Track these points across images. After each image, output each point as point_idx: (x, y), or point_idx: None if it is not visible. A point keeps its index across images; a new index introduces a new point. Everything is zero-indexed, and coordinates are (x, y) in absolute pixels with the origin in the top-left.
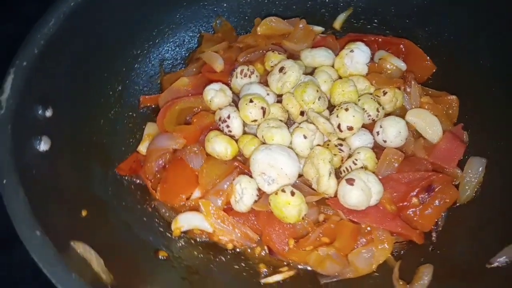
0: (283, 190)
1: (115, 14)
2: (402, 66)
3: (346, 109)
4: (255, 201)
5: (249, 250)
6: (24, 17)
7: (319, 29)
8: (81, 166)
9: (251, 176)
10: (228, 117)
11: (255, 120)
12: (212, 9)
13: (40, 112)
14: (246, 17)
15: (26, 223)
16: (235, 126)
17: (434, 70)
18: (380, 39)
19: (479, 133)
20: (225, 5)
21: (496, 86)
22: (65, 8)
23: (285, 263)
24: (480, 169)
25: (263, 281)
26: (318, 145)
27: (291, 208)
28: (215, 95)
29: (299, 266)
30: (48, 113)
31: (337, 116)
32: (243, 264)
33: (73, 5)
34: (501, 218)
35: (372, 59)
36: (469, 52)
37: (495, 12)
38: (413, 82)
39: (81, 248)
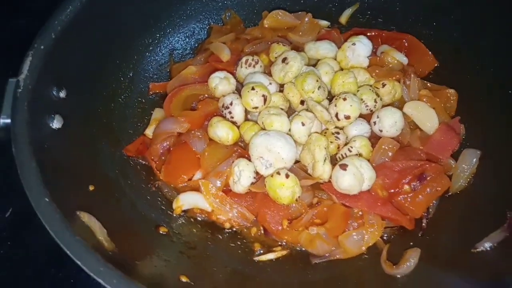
0: (278, 173)
1: (129, 5)
2: (404, 60)
3: (344, 99)
4: (252, 183)
5: (245, 230)
6: (35, 13)
7: (325, 23)
8: (91, 145)
9: (250, 160)
10: (231, 103)
11: (256, 107)
12: (222, 2)
13: (54, 92)
14: (255, 10)
15: (36, 189)
16: (237, 113)
17: (435, 65)
18: (384, 34)
19: (475, 127)
20: None
21: (495, 84)
22: None
23: (279, 243)
24: (474, 160)
25: (256, 258)
26: (316, 132)
27: (285, 189)
28: (220, 82)
29: (293, 247)
30: (62, 94)
31: (335, 105)
32: (238, 243)
33: None
34: (490, 208)
35: (375, 52)
36: (471, 50)
37: (498, 13)
38: (412, 75)
39: (86, 218)
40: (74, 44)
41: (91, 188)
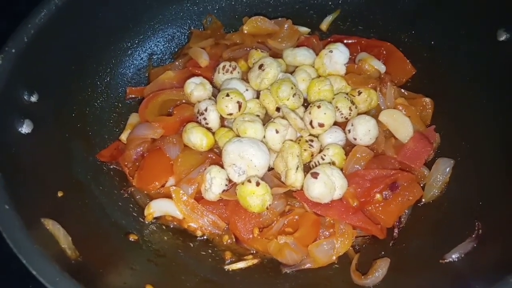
0: (249, 181)
1: (107, 8)
2: (381, 68)
3: (318, 107)
4: (224, 191)
5: (217, 238)
6: (16, 16)
7: (305, 30)
8: (62, 150)
9: (223, 167)
10: (206, 110)
11: (231, 114)
12: (204, 6)
13: (25, 96)
14: (236, 16)
15: None
16: (212, 119)
17: (413, 73)
18: (363, 41)
19: (451, 136)
20: (216, 3)
21: (472, 92)
22: (57, 0)
23: (250, 252)
24: (447, 169)
25: (227, 267)
26: (290, 140)
27: (255, 197)
28: (195, 88)
29: (264, 255)
30: (33, 98)
31: (310, 113)
32: (209, 251)
33: None
34: (462, 217)
35: (354, 60)
36: (449, 57)
37: (475, 21)
38: (388, 84)
39: (50, 225)
40: (48, 47)
41: (60, 194)
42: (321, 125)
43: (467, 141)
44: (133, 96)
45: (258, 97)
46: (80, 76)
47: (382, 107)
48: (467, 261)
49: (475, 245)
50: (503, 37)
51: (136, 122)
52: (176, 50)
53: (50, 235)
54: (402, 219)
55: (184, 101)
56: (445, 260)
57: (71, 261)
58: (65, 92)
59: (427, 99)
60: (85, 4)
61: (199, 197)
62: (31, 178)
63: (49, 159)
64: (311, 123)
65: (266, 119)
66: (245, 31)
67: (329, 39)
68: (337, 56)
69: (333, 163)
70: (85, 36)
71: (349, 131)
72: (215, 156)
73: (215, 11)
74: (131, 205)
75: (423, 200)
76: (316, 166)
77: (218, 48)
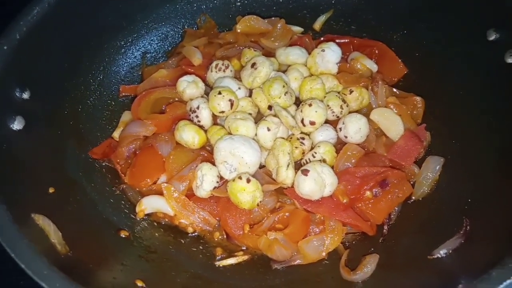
0: (239, 177)
1: (101, 6)
2: (373, 67)
3: (310, 105)
4: (215, 188)
5: (208, 234)
6: (6, 16)
7: (298, 29)
8: (55, 147)
9: (214, 164)
10: (198, 107)
11: (223, 112)
12: (198, 5)
13: (17, 93)
14: (230, 15)
15: None
16: (204, 117)
17: (405, 72)
18: (355, 41)
19: (441, 134)
20: (210, 3)
21: (462, 91)
22: None
23: (241, 248)
24: (437, 167)
25: (217, 263)
26: (281, 137)
27: (245, 194)
28: (187, 86)
29: (255, 252)
30: (26, 95)
31: (301, 111)
32: (200, 247)
33: None
34: (451, 214)
35: (346, 59)
36: (440, 57)
37: (466, 21)
38: (380, 82)
39: (41, 221)
40: (41, 45)
41: (51, 190)
42: (312, 123)
43: (457, 140)
44: (126, 94)
45: (250, 96)
46: (73, 74)
47: (374, 106)
48: (455, 257)
49: (462, 241)
50: (492, 37)
51: (128, 119)
52: (169, 48)
53: (41, 230)
54: (392, 216)
55: (177, 99)
56: (433, 256)
57: (60, 256)
58: (58, 89)
59: (418, 98)
60: (79, 2)
61: (190, 194)
62: (22, 174)
63: (41, 156)
64: (302, 121)
65: (259, 117)
66: (238, 30)
67: (321, 39)
68: (329, 55)
69: (323, 161)
70: (78, 34)
71: (340, 129)
72: (207, 154)
73: (209, 10)
74: (122, 202)
75: (413, 197)
76: (307, 163)
77: (211, 47)
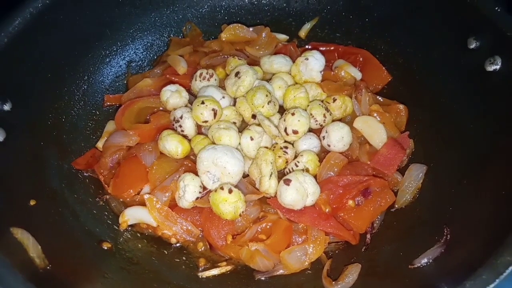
0: (221, 188)
1: (85, 16)
2: (358, 75)
3: (293, 114)
4: (198, 198)
5: (191, 245)
6: None
7: (283, 37)
8: (36, 158)
9: (197, 174)
10: (181, 117)
11: (206, 121)
12: (183, 14)
13: None
14: (216, 24)
15: None
16: (188, 126)
17: (389, 80)
18: (340, 48)
19: (424, 142)
20: (196, 11)
21: (445, 99)
22: (31, 8)
23: (224, 259)
24: (420, 175)
25: (200, 274)
26: (265, 147)
27: (227, 205)
28: (171, 95)
29: (238, 262)
30: (7, 107)
31: (284, 120)
32: (184, 258)
33: (41, 5)
34: (431, 222)
35: (331, 67)
36: (424, 64)
37: (448, 29)
38: (363, 90)
39: (19, 234)
40: (22, 55)
41: (32, 203)
42: (295, 132)
43: (440, 147)
44: (110, 103)
45: (234, 105)
46: (56, 84)
47: (357, 114)
48: (435, 266)
49: (443, 250)
50: (473, 45)
51: (113, 129)
52: (155, 57)
53: (19, 244)
54: (375, 225)
55: (161, 108)
56: (414, 266)
57: (39, 270)
58: (40, 100)
59: (401, 106)
60: (62, 12)
61: (173, 205)
62: (1, 186)
63: (21, 168)
64: (285, 130)
65: (243, 126)
66: (224, 39)
67: (306, 46)
68: (312, 63)
69: (307, 170)
70: (61, 43)
71: (323, 137)
72: (191, 164)
73: (195, 18)
74: (105, 213)
75: (396, 205)
76: (290, 172)
77: (196, 56)
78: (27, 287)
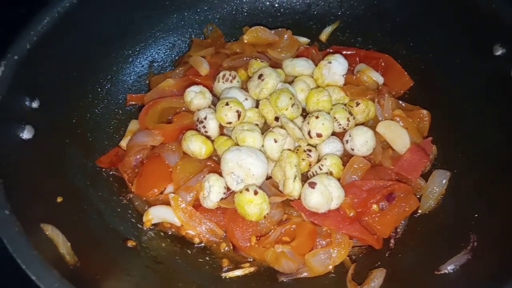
0: (247, 189)
1: (109, 16)
2: (380, 79)
3: (317, 117)
4: (222, 199)
5: (214, 245)
6: (12, 22)
7: (304, 40)
8: (62, 155)
9: (221, 175)
10: (205, 118)
11: (230, 123)
12: (205, 15)
13: (27, 103)
14: (237, 25)
15: None
16: (211, 127)
17: (411, 85)
18: (361, 53)
19: (447, 148)
20: (217, 13)
21: (468, 105)
22: (59, 8)
23: (247, 260)
24: (444, 181)
25: (224, 275)
26: (288, 149)
27: (253, 206)
28: (195, 96)
29: (261, 264)
30: (35, 105)
31: (308, 123)
32: (207, 258)
33: (68, 5)
34: (458, 229)
35: (352, 71)
36: (446, 70)
37: (472, 35)
38: (386, 95)
39: (50, 231)
40: (50, 54)
41: (59, 199)
42: (319, 135)
43: (464, 154)
44: (133, 103)
45: (257, 106)
46: (81, 83)
47: (380, 118)
48: (462, 273)
49: (469, 257)
50: (499, 52)
51: (136, 129)
52: (176, 58)
53: (49, 240)
54: (398, 230)
55: (184, 109)
56: (440, 272)
57: (69, 267)
58: (66, 98)
59: (424, 111)
60: (87, 12)
61: (197, 205)
62: (30, 183)
63: (48, 165)
64: (309, 133)
65: (265, 128)
66: (245, 41)
67: (328, 50)
68: (335, 67)
69: (330, 173)
70: (86, 43)
71: (347, 141)
72: (213, 164)
73: (216, 20)
74: (129, 212)
75: (419, 211)
76: (313, 176)
77: (218, 57)
78: (62, 283)
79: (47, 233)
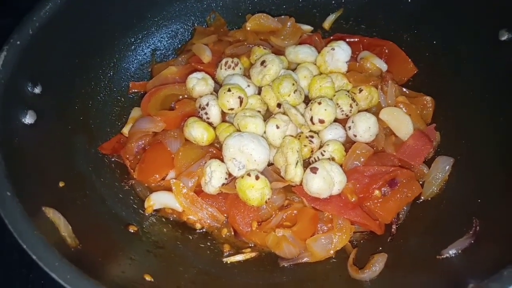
0: (248, 174)
1: (112, 3)
2: (383, 66)
3: (319, 103)
4: (224, 184)
5: (216, 231)
6: (22, 12)
7: (308, 28)
8: (65, 141)
9: (223, 161)
10: (207, 104)
11: (232, 109)
12: (208, 3)
13: (29, 88)
14: (240, 13)
15: None
16: (213, 114)
17: (415, 72)
18: (365, 40)
19: (451, 134)
20: (220, 1)
21: (472, 92)
22: None
23: (248, 245)
24: (447, 167)
25: (225, 260)
26: (290, 135)
27: (254, 191)
28: (197, 83)
29: (262, 249)
30: (37, 90)
31: (311, 109)
32: (208, 243)
33: None
34: (460, 214)
35: (355, 58)
36: (450, 57)
37: (477, 21)
38: (390, 82)
39: (51, 214)
40: (52, 40)
41: (61, 184)
42: (321, 122)
43: (467, 140)
44: (135, 90)
45: (259, 93)
46: (83, 70)
47: (383, 105)
48: (464, 257)
49: (472, 241)
50: (504, 37)
51: (138, 116)
52: (179, 46)
53: (51, 223)
54: (401, 216)
55: (186, 96)
56: (442, 256)
57: (70, 249)
58: (68, 85)
59: (428, 98)
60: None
61: (198, 191)
62: (33, 167)
63: (51, 150)
64: (311, 119)
65: (267, 115)
66: (248, 28)
67: (331, 38)
68: (339, 53)
69: (332, 159)
70: (89, 30)
71: (350, 128)
72: (215, 151)
73: (219, 8)
74: (131, 197)
75: (422, 197)
76: (315, 161)
77: (221, 45)
78: (63, 263)
79: (48, 216)
